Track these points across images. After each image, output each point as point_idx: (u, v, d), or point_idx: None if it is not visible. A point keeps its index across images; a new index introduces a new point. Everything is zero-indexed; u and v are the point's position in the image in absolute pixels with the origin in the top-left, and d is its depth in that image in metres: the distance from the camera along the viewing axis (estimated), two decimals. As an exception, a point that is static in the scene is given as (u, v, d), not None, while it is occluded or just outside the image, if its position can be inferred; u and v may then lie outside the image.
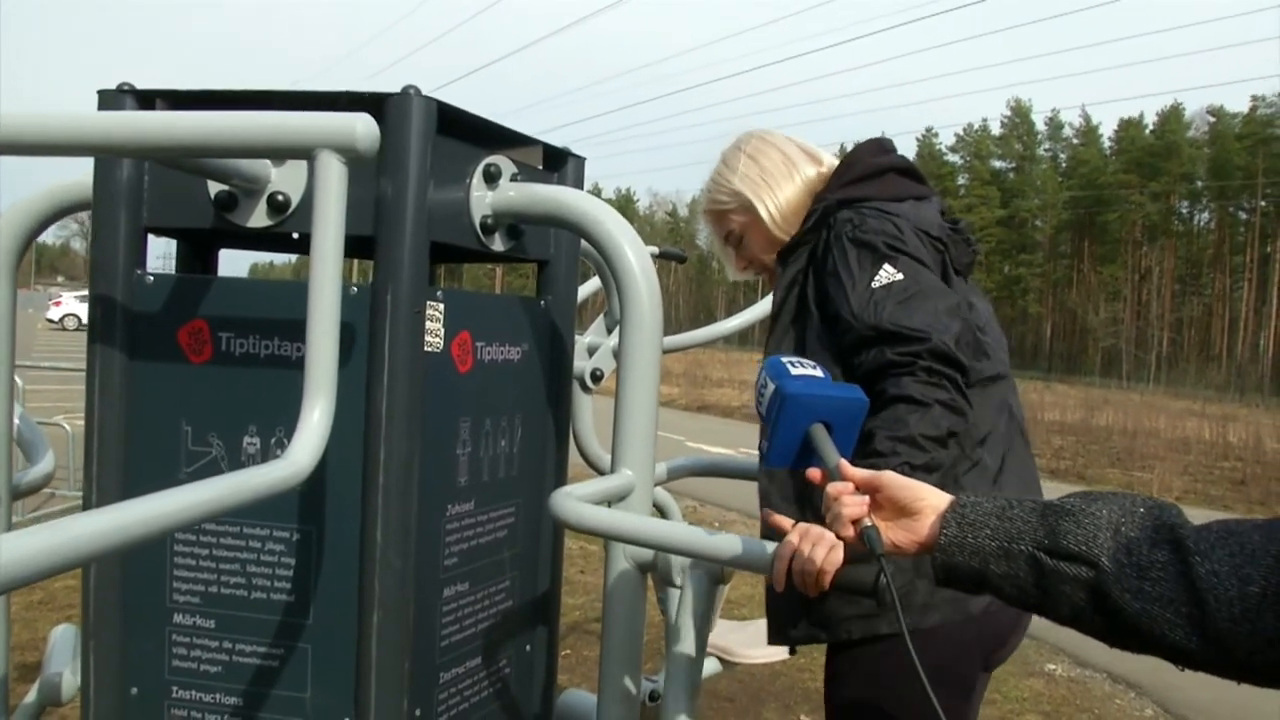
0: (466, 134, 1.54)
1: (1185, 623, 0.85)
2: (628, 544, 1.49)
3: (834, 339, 1.58)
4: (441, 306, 1.47)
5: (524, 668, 1.80)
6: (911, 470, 1.35)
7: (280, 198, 1.43)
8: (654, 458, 1.58)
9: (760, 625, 3.13)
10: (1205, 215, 62.53)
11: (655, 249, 2.59)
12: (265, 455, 1.45)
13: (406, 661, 1.45)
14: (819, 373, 1.20)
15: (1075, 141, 65.90)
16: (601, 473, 2.28)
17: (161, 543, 1.46)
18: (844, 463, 1.12)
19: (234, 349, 1.46)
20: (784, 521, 1.21)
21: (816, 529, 1.15)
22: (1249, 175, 54.99)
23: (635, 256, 1.55)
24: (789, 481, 1.62)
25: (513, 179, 1.62)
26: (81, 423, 1.57)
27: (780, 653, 2.85)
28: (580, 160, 1.84)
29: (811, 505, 1.59)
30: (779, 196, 1.77)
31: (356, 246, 1.67)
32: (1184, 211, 62.97)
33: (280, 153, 1.30)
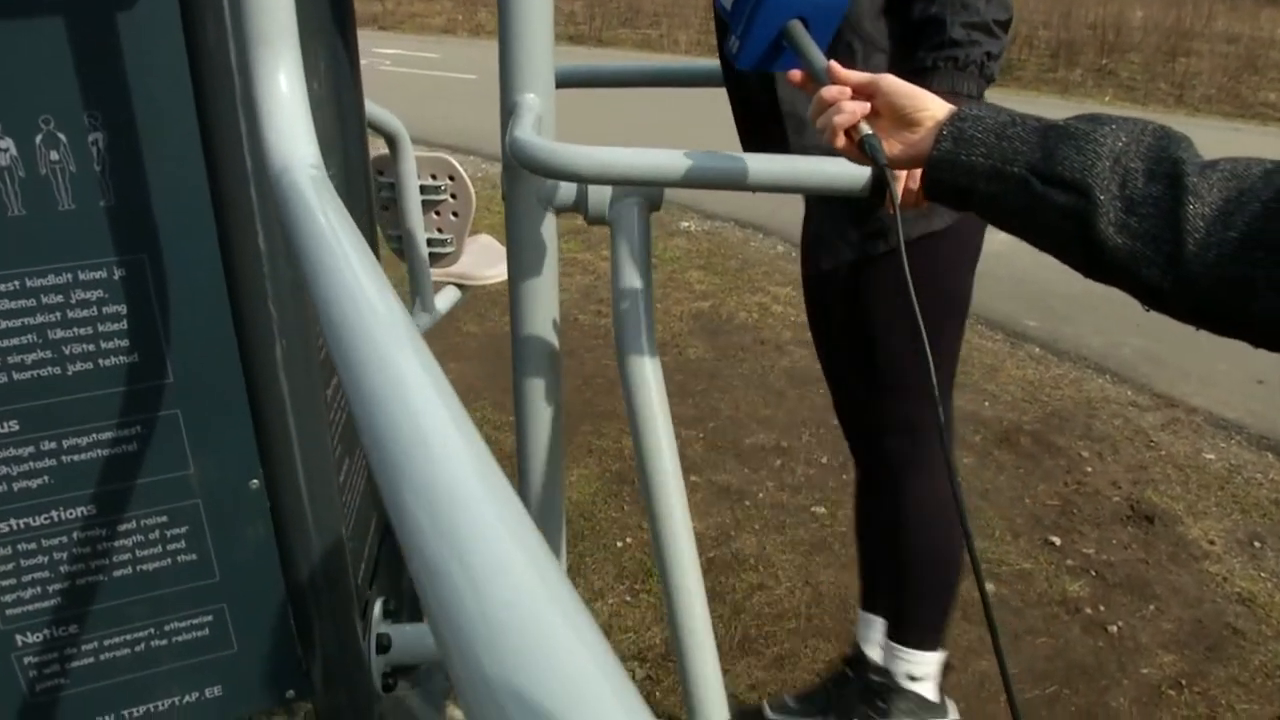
0: None
1: (1163, 261, 0.80)
2: (664, 186, 1.18)
3: None
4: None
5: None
6: (989, 60, 1.23)
7: None
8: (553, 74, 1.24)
9: (485, 241, 2.91)
10: None
11: None
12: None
13: (321, 389, 1.11)
14: None
15: None
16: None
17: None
18: (835, 64, 0.98)
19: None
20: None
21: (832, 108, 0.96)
22: None
23: None
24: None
25: None
26: None
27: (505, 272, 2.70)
28: None
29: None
30: None
31: None
32: None
33: None
